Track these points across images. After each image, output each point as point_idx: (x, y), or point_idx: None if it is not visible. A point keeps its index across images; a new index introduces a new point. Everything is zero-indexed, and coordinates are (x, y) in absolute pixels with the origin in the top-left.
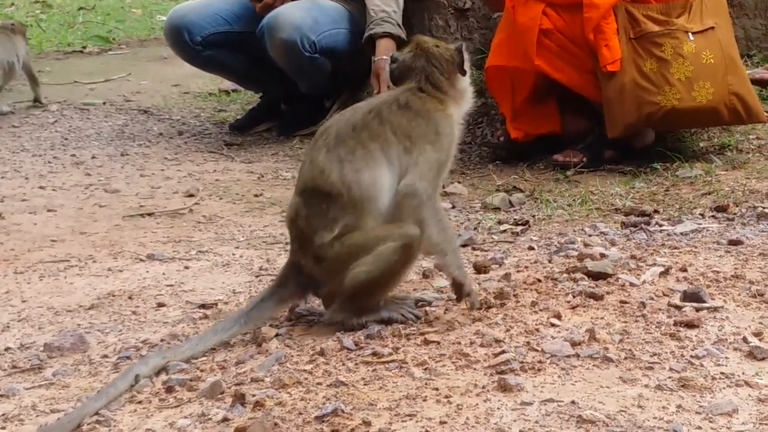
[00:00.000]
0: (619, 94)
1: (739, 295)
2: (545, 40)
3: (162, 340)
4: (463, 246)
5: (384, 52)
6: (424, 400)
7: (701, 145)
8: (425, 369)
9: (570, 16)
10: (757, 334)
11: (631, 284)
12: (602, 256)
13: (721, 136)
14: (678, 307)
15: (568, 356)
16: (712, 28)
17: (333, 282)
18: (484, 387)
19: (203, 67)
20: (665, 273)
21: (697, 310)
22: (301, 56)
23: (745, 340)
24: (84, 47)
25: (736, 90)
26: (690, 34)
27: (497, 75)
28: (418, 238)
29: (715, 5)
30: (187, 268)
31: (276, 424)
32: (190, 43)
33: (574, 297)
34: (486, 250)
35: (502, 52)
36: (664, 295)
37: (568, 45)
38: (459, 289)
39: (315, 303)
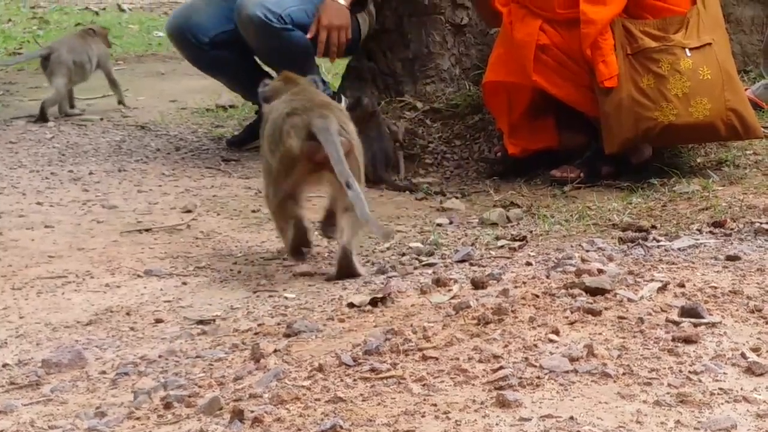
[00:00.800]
0: (616, 110)
1: (737, 310)
2: (542, 55)
3: (160, 356)
4: (461, 262)
5: None
6: (423, 416)
7: (698, 160)
8: (423, 385)
9: (567, 32)
10: (755, 350)
11: (629, 300)
12: (600, 271)
13: (719, 152)
14: (676, 323)
15: (567, 372)
16: (709, 44)
17: None
18: (482, 403)
19: (208, 68)
20: (663, 288)
21: (695, 325)
22: (271, 30)
23: (743, 355)
24: None
25: (734, 106)
26: (687, 50)
27: (494, 90)
28: None
29: (712, 21)
30: (184, 284)
31: None
32: (197, 43)
33: (572, 313)
34: (484, 266)
35: (499, 67)
36: (662, 310)
37: (566, 61)
38: None
39: (314, 319)
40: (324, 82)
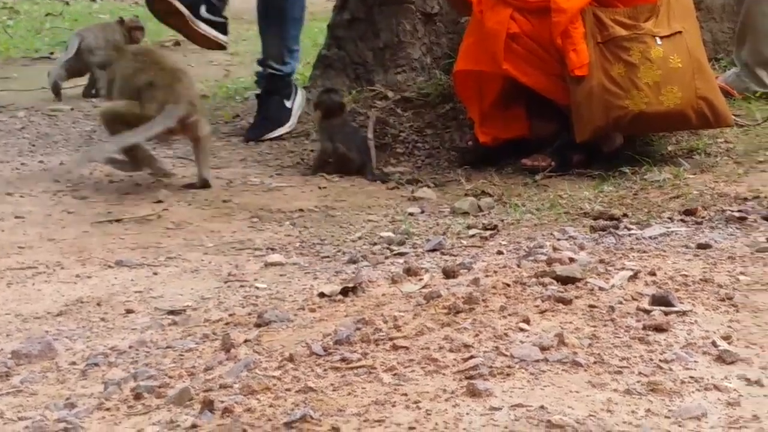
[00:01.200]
0: (587, 99)
1: (708, 298)
2: (513, 44)
3: (130, 347)
4: (432, 251)
5: None
6: (393, 406)
7: (669, 148)
8: (394, 374)
9: (538, 21)
10: (726, 338)
11: (600, 288)
12: (571, 260)
13: (690, 140)
14: (647, 311)
15: (537, 361)
16: (680, 32)
17: None
18: (453, 392)
19: None
20: (634, 277)
21: (666, 314)
22: None
23: (713, 343)
24: (51, 53)
25: (704, 94)
26: (658, 38)
27: (465, 79)
28: None
29: (682, 9)
30: (155, 274)
31: (244, 430)
32: None
33: (543, 301)
34: (455, 255)
35: (469, 56)
36: (633, 299)
37: (536, 49)
38: None
39: (285, 308)
40: None
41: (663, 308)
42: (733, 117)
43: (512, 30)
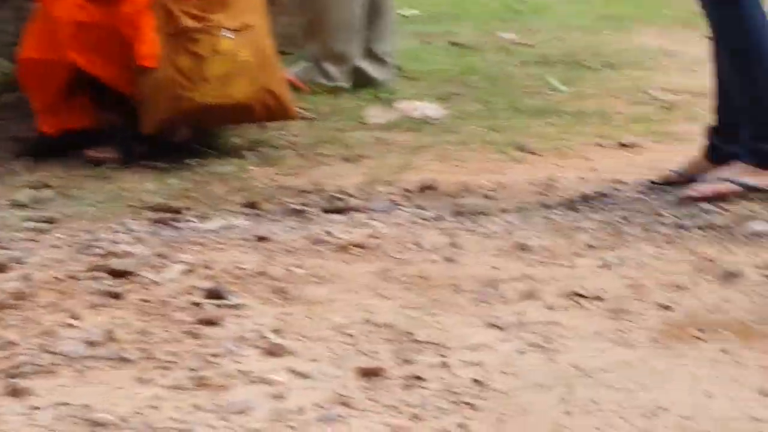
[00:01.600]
0: (154, 90)
1: (262, 291)
2: (81, 33)
3: None
4: None
5: None
6: None
7: (236, 141)
8: None
9: (107, 10)
10: (276, 331)
11: (154, 282)
12: (127, 253)
13: (257, 133)
14: (199, 305)
15: (84, 357)
16: (250, 26)
17: None
18: None
19: None
20: (189, 270)
21: (219, 307)
22: None
23: (264, 336)
24: None
25: (271, 87)
26: (227, 31)
27: (30, 67)
28: None
29: (252, 3)
30: None
31: None
32: None
33: (94, 296)
34: (8, 249)
35: (35, 43)
36: (187, 293)
37: (105, 39)
38: None
39: None
40: None
41: (216, 302)
42: (300, 110)
43: (80, 18)
